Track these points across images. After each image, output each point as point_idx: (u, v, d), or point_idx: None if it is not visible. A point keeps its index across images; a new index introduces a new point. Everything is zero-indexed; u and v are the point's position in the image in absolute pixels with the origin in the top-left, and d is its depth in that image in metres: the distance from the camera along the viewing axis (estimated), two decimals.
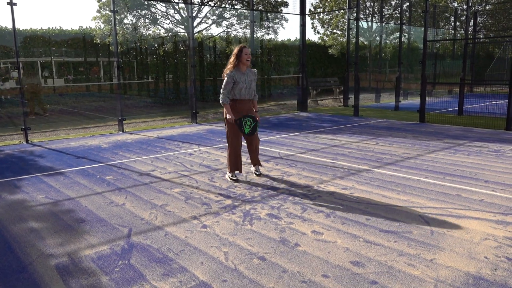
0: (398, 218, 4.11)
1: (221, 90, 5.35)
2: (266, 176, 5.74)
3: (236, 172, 5.81)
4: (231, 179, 5.56)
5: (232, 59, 5.31)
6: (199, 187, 5.26)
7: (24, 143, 8.79)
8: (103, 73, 26.92)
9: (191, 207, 4.52)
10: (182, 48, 19.88)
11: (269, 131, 9.77)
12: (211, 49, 21.21)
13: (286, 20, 21.23)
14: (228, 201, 4.70)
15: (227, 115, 5.38)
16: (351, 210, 4.37)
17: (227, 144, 5.51)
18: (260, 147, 7.76)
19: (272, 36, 20.22)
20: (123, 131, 10.14)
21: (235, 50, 5.30)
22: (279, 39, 25.13)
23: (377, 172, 5.87)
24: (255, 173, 5.81)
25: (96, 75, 26.81)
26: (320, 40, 26.11)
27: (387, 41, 25.18)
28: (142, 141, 8.77)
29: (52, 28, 26.02)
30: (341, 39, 24.40)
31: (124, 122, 10.57)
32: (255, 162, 5.77)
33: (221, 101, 5.34)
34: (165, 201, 4.75)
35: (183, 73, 19.62)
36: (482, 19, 24.96)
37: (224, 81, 5.32)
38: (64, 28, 26.17)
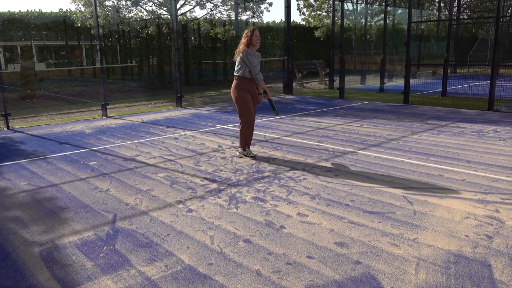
0: (382, 199, 4.16)
1: (253, 69, 5.41)
2: (253, 159, 5.74)
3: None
4: (251, 156, 5.71)
5: (244, 40, 5.45)
6: (184, 172, 5.25)
7: (5, 129, 8.62)
8: (86, 57, 26.38)
9: (176, 192, 4.51)
10: (165, 31, 19.56)
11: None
12: (196, 32, 20.90)
13: (270, 4, 20.95)
14: (214, 185, 4.70)
15: (250, 91, 5.51)
16: (336, 192, 4.40)
17: (239, 123, 5.72)
18: None
19: (257, 19, 19.95)
20: (106, 116, 10.01)
21: (247, 31, 5.46)
22: (264, 21, 24.87)
23: (361, 154, 5.92)
24: (251, 156, 5.80)
25: (78, 59, 26.28)
26: (305, 22, 25.93)
27: (372, 23, 25.14)
28: (127, 126, 8.67)
29: (31, 10, 25.34)
30: (326, 21, 24.27)
31: (108, 107, 10.43)
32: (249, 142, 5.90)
33: (260, 78, 5.44)
34: (150, 186, 4.73)
35: (167, 56, 19.34)
36: None
37: (248, 60, 5.39)
38: (43, 11, 25.49)
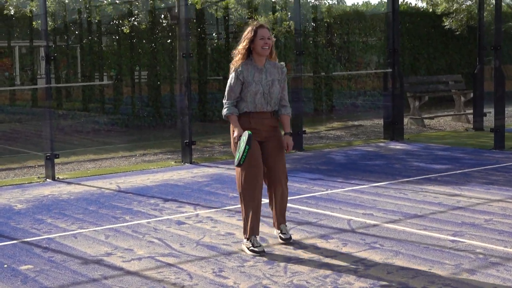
0: None
1: (224, 99, 6.16)
2: (326, 265, 5.70)
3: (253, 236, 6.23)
4: (252, 250, 6.06)
5: (241, 45, 6.10)
6: None
7: None
8: (20, 70, 27.63)
9: None
10: (165, 22, 20.29)
11: (329, 178, 9.73)
12: (220, 23, 21.52)
13: None
14: None
15: (234, 134, 6.03)
16: None
17: (238, 195, 6.23)
18: (313, 209, 7.74)
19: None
20: (54, 178, 10.26)
21: (247, 31, 6.12)
22: (348, 3, 25.34)
23: None
24: (281, 237, 6.30)
25: (7, 73, 27.53)
26: (426, 5, 26.23)
27: None
28: (90, 197, 8.86)
29: None
30: (466, 3, 24.42)
31: (57, 161, 10.71)
32: (281, 217, 6.31)
33: (224, 113, 6.12)
34: None
35: (168, 68, 19.94)
36: None
37: (228, 82, 6.10)
38: None
